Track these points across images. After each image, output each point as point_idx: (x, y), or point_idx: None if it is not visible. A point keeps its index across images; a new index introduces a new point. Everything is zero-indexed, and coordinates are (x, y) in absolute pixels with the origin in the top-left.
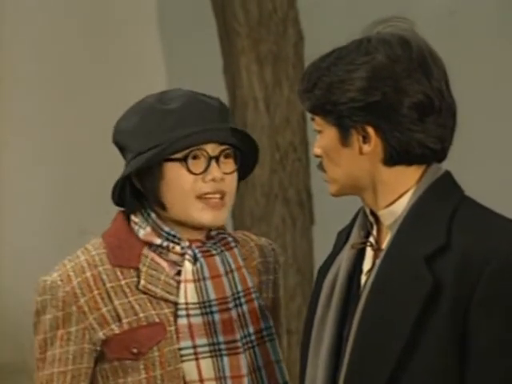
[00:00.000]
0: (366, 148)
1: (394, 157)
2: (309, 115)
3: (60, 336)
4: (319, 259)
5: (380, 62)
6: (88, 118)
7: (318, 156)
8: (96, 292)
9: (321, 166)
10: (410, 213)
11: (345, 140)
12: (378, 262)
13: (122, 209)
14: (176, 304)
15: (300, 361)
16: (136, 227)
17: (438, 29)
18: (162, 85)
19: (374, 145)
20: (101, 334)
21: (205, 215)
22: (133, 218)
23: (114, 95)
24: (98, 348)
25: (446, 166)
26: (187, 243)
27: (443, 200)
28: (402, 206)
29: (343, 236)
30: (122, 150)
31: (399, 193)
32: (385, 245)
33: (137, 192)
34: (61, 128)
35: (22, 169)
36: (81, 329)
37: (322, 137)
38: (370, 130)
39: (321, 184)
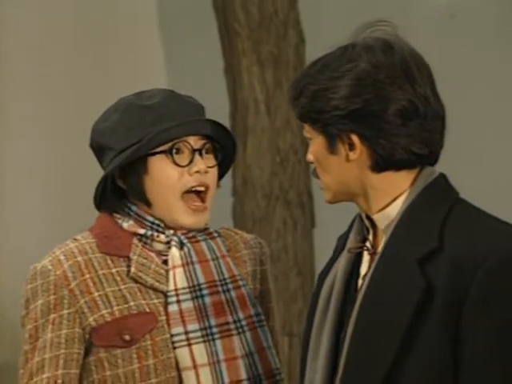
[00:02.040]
0: (353, 155)
1: (381, 163)
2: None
3: (52, 320)
4: (320, 261)
5: (363, 69)
6: (88, 119)
7: (311, 162)
8: (88, 276)
9: (315, 173)
10: (403, 216)
11: (332, 148)
12: (372, 265)
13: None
14: (165, 293)
15: (300, 366)
16: (119, 221)
17: (438, 32)
18: (163, 86)
19: (359, 152)
20: (91, 320)
21: (187, 219)
22: (115, 215)
23: (114, 98)
24: (87, 336)
25: (446, 165)
26: (171, 231)
27: (436, 203)
28: (395, 209)
29: (342, 241)
30: (101, 150)
31: (392, 196)
32: (379, 248)
33: (118, 191)
34: (61, 129)
35: (21, 170)
36: (72, 312)
37: (312, 144)
38: (355, 138)
39: None
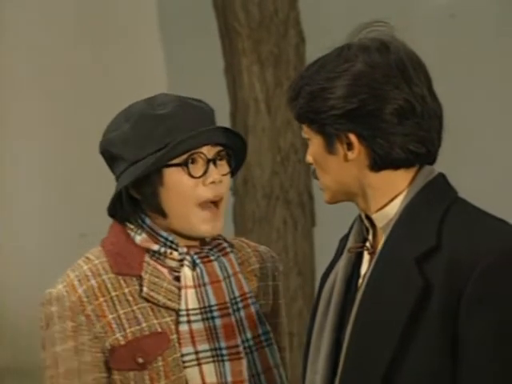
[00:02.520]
0: (351, 155)
1: (379, 162)
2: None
3: (74, 348)
4: (320, 261)
5: (359, 69)
6: (88, 121)
7: (310, 163)
8: (102, 299)
9: (314, 174)
10: (402, 215)
11: (330, 148)
12: (371, 264)
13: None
14: (177, 311)
15: (302, 368)
16: (132, 233)
17: (438, 32)
18: (164, 86)
19: (357, 152)
20: (107, 344)
21: (204, 226)
22: (128, 224)
23: (114, 98)
24: (107, 359)
25: (445, 165)
26: (185, 249)
27: (435, 202)
28: (394, 208)
29: (344, 242)
30: (113, 159)
31: (391, 196)
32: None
33: (132, 201)
34: (61, 132)
35: (22, 172)
36: (92, 338)
37: (311, 145)
38: (353, 138)
39: None
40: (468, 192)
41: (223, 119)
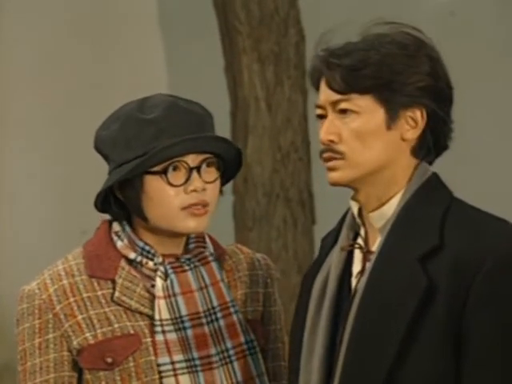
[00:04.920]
0: (410, 134)
1: (425, 147)
2: (312, 112)
3: (38, 345)
4: None
5: (433, 54)
6: (89, 118)
7: (331, 141)
8: (72, 299)
9: (334, 151)
10: (401, 215)
11: (392, 122)
12: (368, 264)
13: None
14: (150, 318)
15: (288, 367)
16: (115, 237)
17: (438, 29)
18: (164, 85)
19: (418, 131)
20: (75, 343)
21: (188, 223)
22: (114, 227)
23: (114, 98)
24: (76, 358)
25: (445, 166)
26: (160, 259)
27: (434, 201)
28: (392, 207)
29: (329, 241)
30: (105, 157)
31: (389, 194)
32: (375, 247)
33: (120, 202)
34: (61, 129)
35: (22, 169)
36: (58, 336)
37: (359, 118)
38: (421, 114)
39: (322, 184)
40: (468, 193)
41: (223, 118)
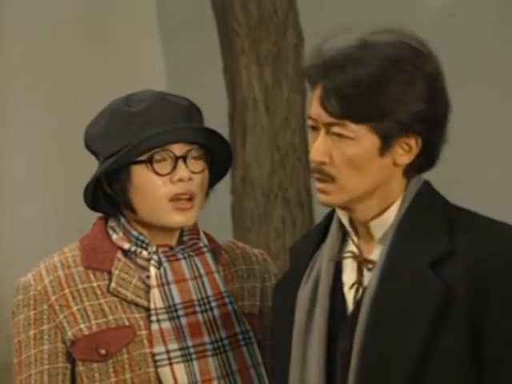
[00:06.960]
0: (404, 159)
1: (416, 169)
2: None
3: (33, 336)
4: None
5: (430, 73)
6: (88, 119)
7: (321, 163)
8: (67, 290)
9: (324, 173)
10: (402, 222)
11: (385, 149)
12: (368, 274)
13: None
14: (146, 309)
15: (272, 372)
16: (111, 231)
17: (437, 31)
18: (163, 85)
19: (412, 157)
20: (70, 334)
21: (174, 217)
22: (109, 222)
23: (115, 96)
24: (70, 350)
25: (445, 166)
26: (154, 248)
27: (434, 207)
28: (391, 215)
29: (304, 250)
30: (93, 154)
31: (387, 203)
32: (374, 256)
33: (109, 196)
34: (61, 129)
35: (21, 168)
36: (52, 327)
37: (353, 145)
38: (416, 142)
39: None
40: (468, 193)
41: (222, 118)
